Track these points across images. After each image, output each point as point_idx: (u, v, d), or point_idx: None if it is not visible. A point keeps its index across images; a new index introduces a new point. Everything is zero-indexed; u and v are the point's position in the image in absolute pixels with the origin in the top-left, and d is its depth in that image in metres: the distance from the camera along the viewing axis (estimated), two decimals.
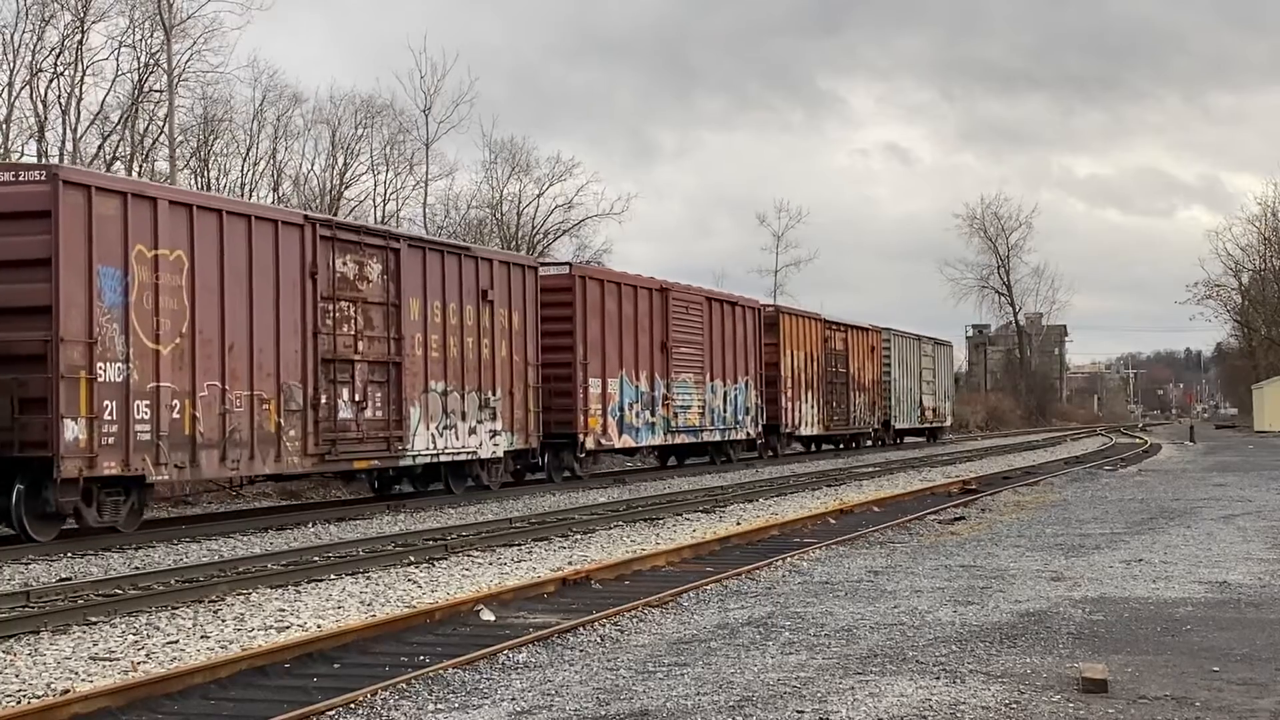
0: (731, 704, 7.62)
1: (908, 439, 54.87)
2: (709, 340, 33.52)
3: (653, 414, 30.44)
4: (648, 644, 9.67)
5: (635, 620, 10.69)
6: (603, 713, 7.52)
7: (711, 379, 33.67)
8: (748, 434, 36.24)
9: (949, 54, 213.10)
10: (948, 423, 60.45)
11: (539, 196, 52.69)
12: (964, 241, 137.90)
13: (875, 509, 21.54)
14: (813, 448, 45.26)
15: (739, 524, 19.28)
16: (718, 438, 34.50)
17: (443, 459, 22.97)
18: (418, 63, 79.09)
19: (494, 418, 24.24)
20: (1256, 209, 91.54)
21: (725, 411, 34.51)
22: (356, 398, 20.63)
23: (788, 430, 39.31)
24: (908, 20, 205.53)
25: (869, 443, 48.54)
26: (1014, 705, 7.55)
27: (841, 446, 46.42)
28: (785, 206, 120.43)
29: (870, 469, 34.03)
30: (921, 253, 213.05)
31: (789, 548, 15.74)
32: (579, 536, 17.88)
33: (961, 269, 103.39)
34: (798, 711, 7.43)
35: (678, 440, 32.31)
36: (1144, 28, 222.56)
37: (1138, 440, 59.93)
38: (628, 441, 29.70)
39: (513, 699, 7.91)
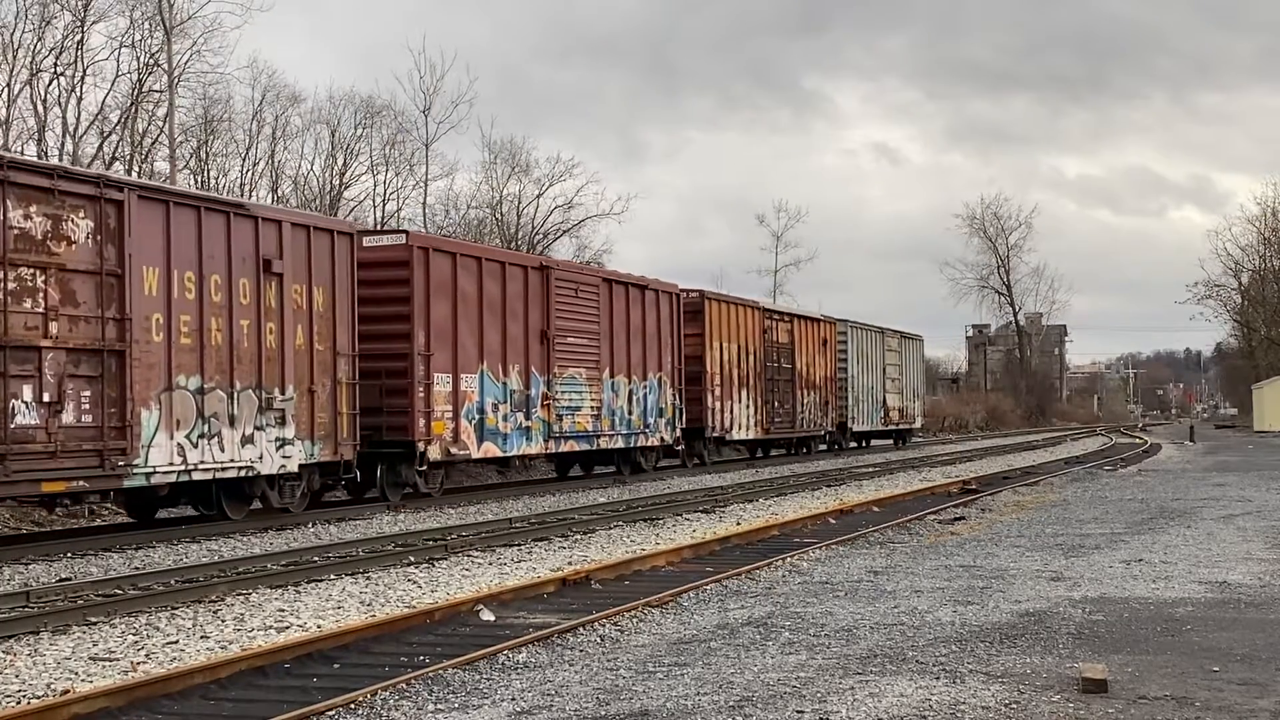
0: (731, 704, 7.63)
1: (874, 442, 50.97)
2: (608, 329, 28.34)
3: (528, 416, 25.25)
4: (648, 644, 9.68)
5: (635, 620, 10.69)
6: (603, 713, 7.52)
7: (612, 375, 28.48)
8: (661, 439, 31.03)
9: (933, 54, 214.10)
10: (917, 424, 55.63)
11: (539, 197, 52.70)
12: (963, 242, 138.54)
13: (875, 509, 21.55)
14: (760, 453, 40.58)
15: (739, 524, 19.28)
16: (620, 444, 29.20)
17: (198, 475, 17.64)
18: (417, 63, 79.38)
19: (282, 422, 19.04)
20: (1256, 209, 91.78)
21: (630, 413, 29.34)
22: (46, 397, 15.49)
23: (715, 434, 34.33)
24: (890, 20, 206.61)
25: (822, 447, 43.93)
26: (1014, 705, 7.55)
27: (791, 452, 41.99)
28: (784, 206, 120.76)
29: (870, 469, 34.03)
30: (914, 253, 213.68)
31: (789, 548, 15.74)
32: (579, 536, 17.88)
33: (961, 269, 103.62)
34: (798, 711, 7.43)
35: (565, 448, 27.15)
36: (1128, 28, 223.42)
37: (1137, 440, 59.96)
38: (491, 450, 24.40)
39: (513, 699, 7.91)
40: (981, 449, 48.88)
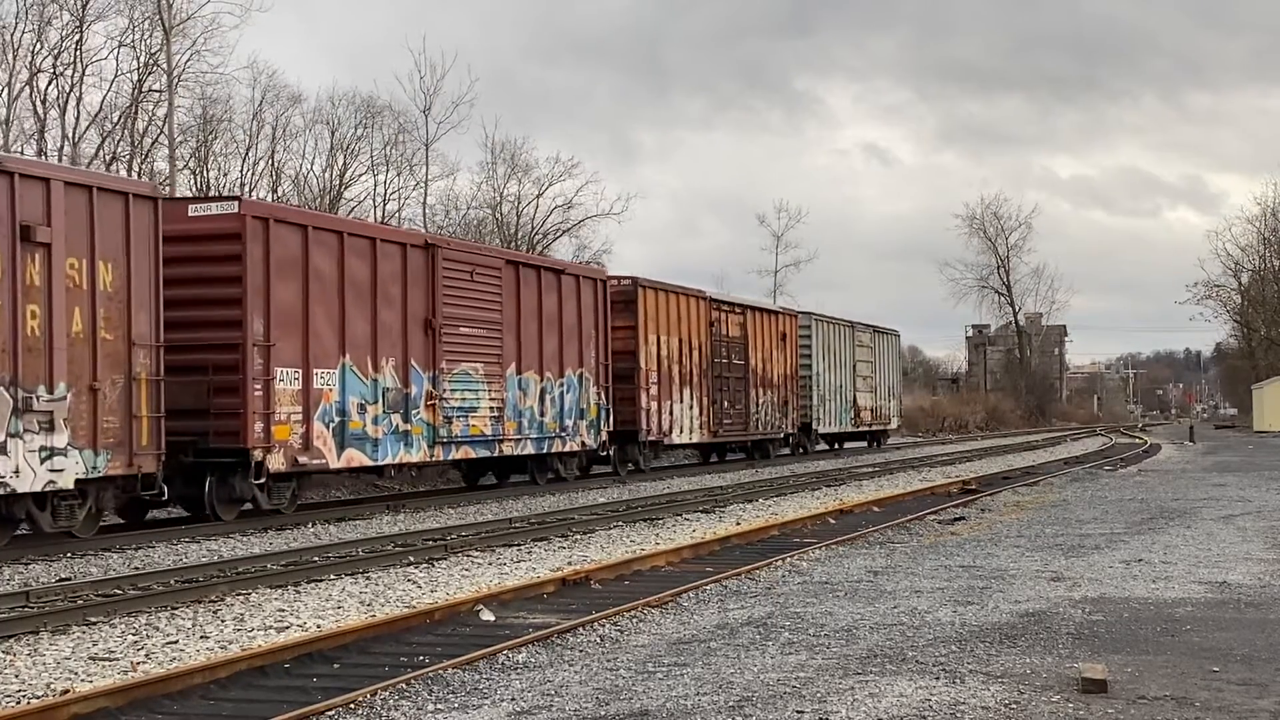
0: (731, 704, 7.63)
1: (848, 444, 47.61)
2: (516, 318, 24.86)
3: (406, 419, 21.70)
4: (647, 644, 9.68)
5: (635, 620, 10.70)
6: (602, 713, 7.52)
7: (519, 370, 24.98)
8: (583, 443, 27.46)
9: (922, 55, 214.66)
10: (892, 425, 51.71)
11: (538, 197, 52.71)
12: (962, 242, 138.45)
13: (875, 509, 21.55)
14: (714, 458, 37.76)
15: (739, 524, 19.29)
16: (531, 449, 25.67)
17: None
18: (417, 63, 79.20)
19: (49, 428, 15.40)
20: (1255, 209, 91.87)
21: (543, 415, 25.80)
22: None
23: (651, 438, 30.62)
24: (878, 21, 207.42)
25: (784, 450, 40.43)
26: (1014, 705, 7.55)
27: (748, 456, 38.52)
28: (785, 207, 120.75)
29: (870, 469, 34.03)
30: (910, 253, 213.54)
31: (789, 548, 15.75)
32: (579, 536, 17.88)
33: (961, 269, 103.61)
34: (797, 712, 7.43)
35: (457, 454, 23.58)
36: (1116, 27, 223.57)
37: (1137, 440, 59.98)
38: (357, 459, 20.77)
39: (512, 699, 7.91)
40: (981, 449, 48.88)
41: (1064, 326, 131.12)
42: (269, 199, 42.54)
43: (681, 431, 32.32)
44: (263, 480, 18.89)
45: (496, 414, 24.25)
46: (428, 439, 22.39)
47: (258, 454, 18.65)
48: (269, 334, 19.00)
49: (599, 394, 28.02)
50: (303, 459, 19.50)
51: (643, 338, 30.13)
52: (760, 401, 37.08)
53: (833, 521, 19.66)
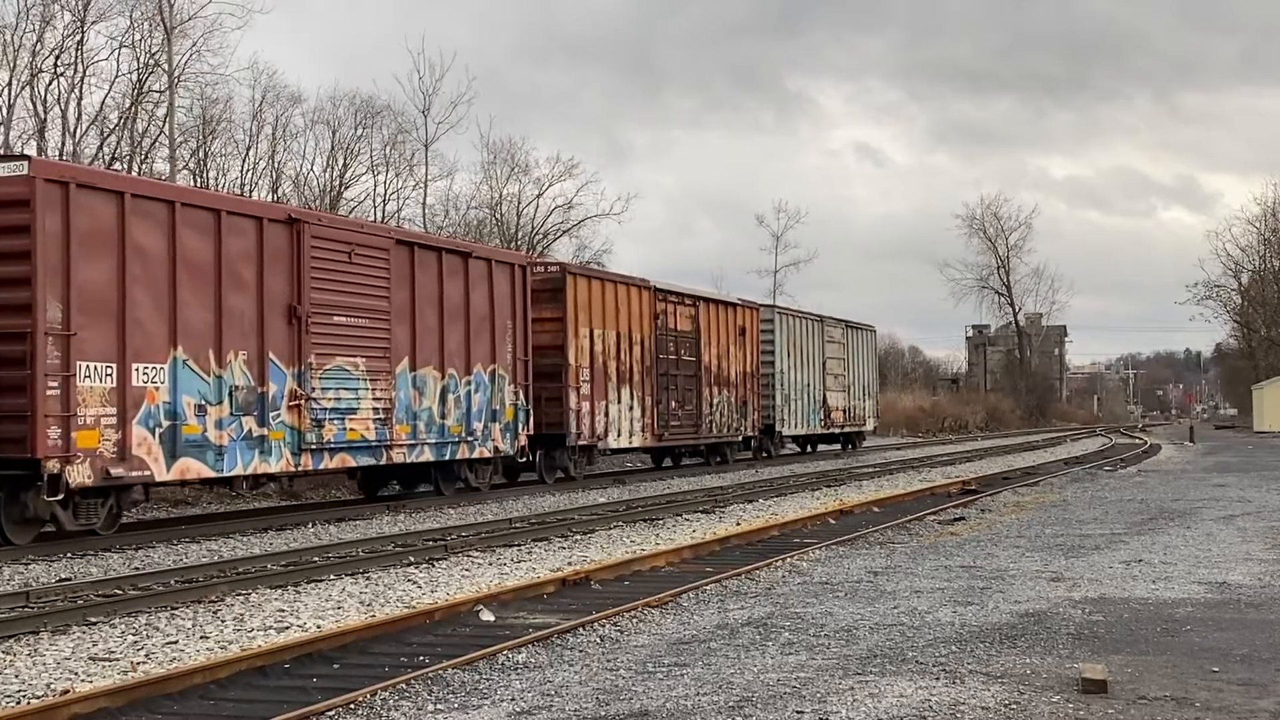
0: (731, 704, 7.63)
1: (821, 447, 45.05)
2: (409, 307, 21.79)
3: (262, 422, 18.52)
4: (647, 644, 9.68)
5: (635, 620, 10.70)
6: (602, 713, 7.52)
7: (414, 366, 21.89)
8: (497, 449, 24.35)
9: (912, 55, 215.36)
10: (868, 426, 48.33)
11: (538, 197, 52.70)
12: (962, 242, 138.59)
13: (875, 509, 21.56)
14: (668, 462, 35.03)
15: (739, 524, 19.29)
16: (430, 456, 22.53)
17: None
18: (416, 64, 79.09)
19: None
20: (1256, 209, 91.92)
21: (445, 416, 22.70)
22: None
23: (582, 442, 27.75)
24: (867, 21, 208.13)
25: (746, 454, 37.60)
26: (1014, 705, 7.56)
27: (705, 461, 35.74)
28: (784, 207, 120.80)
29: (870, 469, 34.03)
30: (906, 253, 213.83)
31: (789, 548, 15.75)
32: (578, 537, 17.89)
33: (961, 270, 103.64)
34: (797, 712, 7.44)
35: (331, 463, 20.17)
36: (1108, 27, 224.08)
37: (1137, 441, 59.98)
38: (195, 469, 17.55)
39: (512, 699, 7.91)
40: (981, 449, 48.88)
41: (1064, 327, 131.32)
42: (269, 199, 42.42)
43: (620, 435, 29.42)
44: (60, 497, 15.74)
45: (383, 416, 21.09)
46: (291, 445, 19.17)
47: (54, 465, 15.49)
48: (69, 321, 15.85)
49: (516, 393, 24.93)
50: (118, 470, 16.31)
51: (573, 331, 27.38)
52: (714, 402, 34.25)
53: (833, 522, 19.66)
